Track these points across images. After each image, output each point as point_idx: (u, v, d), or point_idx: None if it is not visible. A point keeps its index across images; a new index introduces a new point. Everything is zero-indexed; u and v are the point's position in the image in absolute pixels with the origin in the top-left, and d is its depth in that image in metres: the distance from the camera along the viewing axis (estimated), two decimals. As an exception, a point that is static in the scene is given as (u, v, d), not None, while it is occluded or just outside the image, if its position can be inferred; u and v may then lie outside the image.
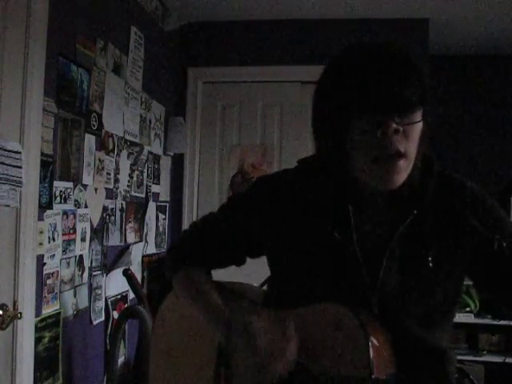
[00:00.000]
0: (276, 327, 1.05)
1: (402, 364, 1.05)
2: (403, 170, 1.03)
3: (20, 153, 1.85)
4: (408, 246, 1.11)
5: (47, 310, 2.15)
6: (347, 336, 1.02)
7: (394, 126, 0.99)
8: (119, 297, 2.84)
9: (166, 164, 3.53)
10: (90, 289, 2.52)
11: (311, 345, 1.06)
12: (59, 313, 2.23)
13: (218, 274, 1.32)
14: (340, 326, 1.04)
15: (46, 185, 2.12)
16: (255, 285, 1.38)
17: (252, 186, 1.28)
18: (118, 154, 2.78)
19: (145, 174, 3.15)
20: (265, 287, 1.38)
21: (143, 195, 3.15)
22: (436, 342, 1.15)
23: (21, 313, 1.85)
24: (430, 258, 1.10)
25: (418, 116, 1.03)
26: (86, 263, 2.47)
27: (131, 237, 2.98)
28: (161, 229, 3.45)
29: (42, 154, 2.06)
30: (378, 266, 1.09)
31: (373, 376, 0.98)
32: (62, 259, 2.25)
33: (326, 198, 1.13)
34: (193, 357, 1.27)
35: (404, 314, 1.10)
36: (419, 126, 1.04)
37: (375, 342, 1.01)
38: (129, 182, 2.93)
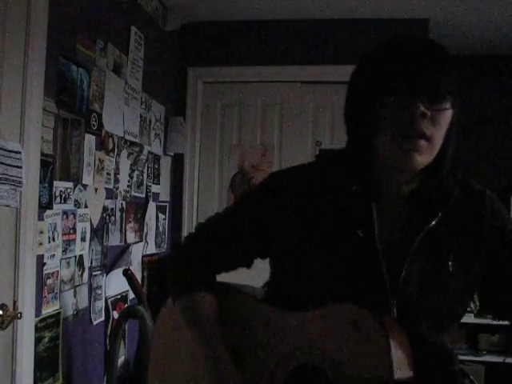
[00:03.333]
0: None
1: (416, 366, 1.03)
2: (425, 152, 1.03)
3: (20, 153, 1.85)
4: (430, 248, 1.10)
5: (47, 310, 2.15)
6: (367, 337, 1.00)
7: (422, 109, 1.01)
8: (119, 297, 2.84)
9: (166, 164, 3.53)
10: (90, 289, 2.52)
11: (328, 347, 1.04)
12: (59, 313, 2.23)
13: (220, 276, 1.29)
14: (359, 327, 1.01)
15: (46, 185, 2.11)
16: (256, 287, 1.36)
17: (266, 180, 1.22)
18: (118, 154, 2.78)
19: (145, 174, 3.15)
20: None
21: (143, 195, 3.15)
22: (444, 343, 1.14)
23: (21, 313, 1.85)
24: (450, 263, 1.09)
25: (447, 105, 1.04)
26: (86, 263, 2.47)
27: (131, 237, 2.98)
28: (161, 229, 3.45)
29: (42, 154, 2.06)
30: (400, 267, 1.08)
31: (394, 378, 0.97)
32: (61, 259, 2.25)
33: (348, 194, 1.11)
34: (192, 370, 1.24)
35: (420, 317, 1.09)
36: (448, 115, 1.05)
37: (396, 343, 0.99)
38: (129, 182, 2.93)
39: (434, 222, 1.09)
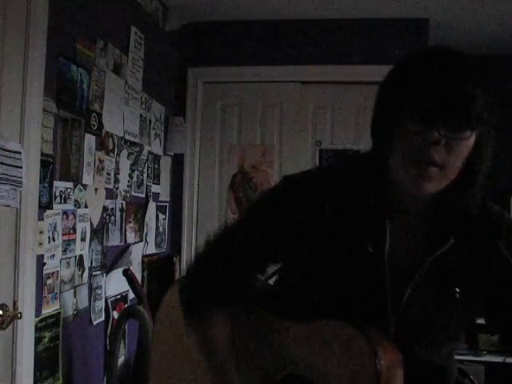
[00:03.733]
0: None
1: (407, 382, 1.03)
2: (435, 179, 1.00)
3: (20, 153, 1.85)
4: (438, 272, 1.08)
5: (47, 310, 2.15)
6: (356, 356, 1.00)
7: (436, 137, 0.97)
8: (119, 297, 2.84)
9: (166, 164, 3.53)
10: (90, 289, 2.52)
11: (319, 361, 1.05)
12: (59, 313, 2.23)
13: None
14: (349, 346, 1.01)
15: (46, 185, 2.11)
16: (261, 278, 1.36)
17: (281, 186, 1.19)
18: (118, 154, 2.78)
19: (145, 174, 3.15)
20: (270, 282, 1.36)
21: (143, 195, 3.15)
22: (442, 361, 1.13)
23: (21, 313, 1.85)
24: (457, 289, 1.08)
25: (467, 135, 1.00)
26: (86, 263, 2.47)
27: (131, 237, 2.98)
28: (161, 229, 3.45)
29: (42, 154, 2.06)
30: (405, 287, 1.07)
31: None
32: (61, 259, 2.25)
33: (364, 208, 1.09)
34: (194, 363, 1.25)
35: (419, 338, 1.08)
36: (468, 144, 1.01)
37: (386, 363, 0.99)
38: (129, 182, 2.93)
39: (445, 248, 1.07)
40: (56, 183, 2.19)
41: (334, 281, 1.09)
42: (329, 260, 1.10)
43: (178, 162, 3.65)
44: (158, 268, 3.34)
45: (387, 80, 1.08)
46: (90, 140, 2.46)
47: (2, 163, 1.77)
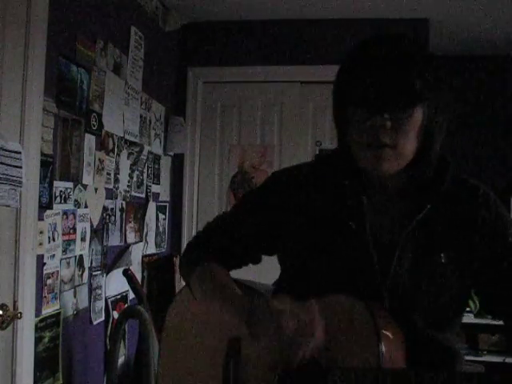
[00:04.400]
0: (301, 311, 1.01)
1: (411, 360, 1.05)
2: (391, 158, 1.06)
3: (20, 153, 1.85)
4: (420, 240, 1.12)
5: (47, 310, 2.15)
6: (358, 328, 1.02)
7: (380, 120, 1.03)
8: (119, 297, 2.84)
9: (166, 164, 3.53)
10: (90, 289, 2.52)
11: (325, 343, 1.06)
12: (59, 313, 2.24)
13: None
14: (351, 318, 1.04)
15: (46, 185, 2.12)
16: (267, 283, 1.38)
17: (268, 179, 1.28)
18: (118, 154, 2.78)
19: (145, 174, 3.15)
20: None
21: (143, 195, 3.16)
22: (445, 341, 1.15)
23: (21, 313, 1.85)
24: (442, 254, 1.11)
25: (412, 112, 1.04)
26: (86, 263, 2.47)
27: (131, 237, 2.98)
28: (161, 229, 3.45)
29: (42, 154, 2.06)
30: (391, 258, 1.11)
31: (382, 368, 0.98)
32: (61, 259, 2.25)
33: (342, 189, 1.15)
34: (203, 350, 1.26)
35: (413, 309, 1.11)
36: (415, 120, 1.05)
37: (386, 335, 1.01)
38: (129, 182, 2.93)
39: (421, 214, 1.11)
40: (56, 183, 2.19)
41: (325, 261, 1.14)
42: (318, 242, 1.15)
43: (177, 162, 3.65)
44: (158, 268, 3.33)
45: (337, 71, 1.13)
46: (89, 140, 2.46)
47: (2, 163, 1.77)
